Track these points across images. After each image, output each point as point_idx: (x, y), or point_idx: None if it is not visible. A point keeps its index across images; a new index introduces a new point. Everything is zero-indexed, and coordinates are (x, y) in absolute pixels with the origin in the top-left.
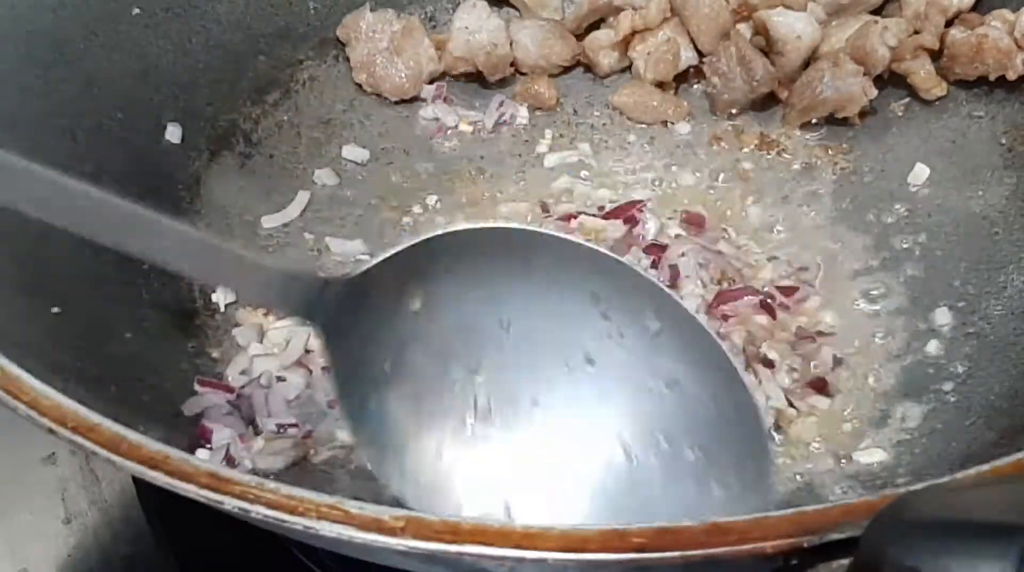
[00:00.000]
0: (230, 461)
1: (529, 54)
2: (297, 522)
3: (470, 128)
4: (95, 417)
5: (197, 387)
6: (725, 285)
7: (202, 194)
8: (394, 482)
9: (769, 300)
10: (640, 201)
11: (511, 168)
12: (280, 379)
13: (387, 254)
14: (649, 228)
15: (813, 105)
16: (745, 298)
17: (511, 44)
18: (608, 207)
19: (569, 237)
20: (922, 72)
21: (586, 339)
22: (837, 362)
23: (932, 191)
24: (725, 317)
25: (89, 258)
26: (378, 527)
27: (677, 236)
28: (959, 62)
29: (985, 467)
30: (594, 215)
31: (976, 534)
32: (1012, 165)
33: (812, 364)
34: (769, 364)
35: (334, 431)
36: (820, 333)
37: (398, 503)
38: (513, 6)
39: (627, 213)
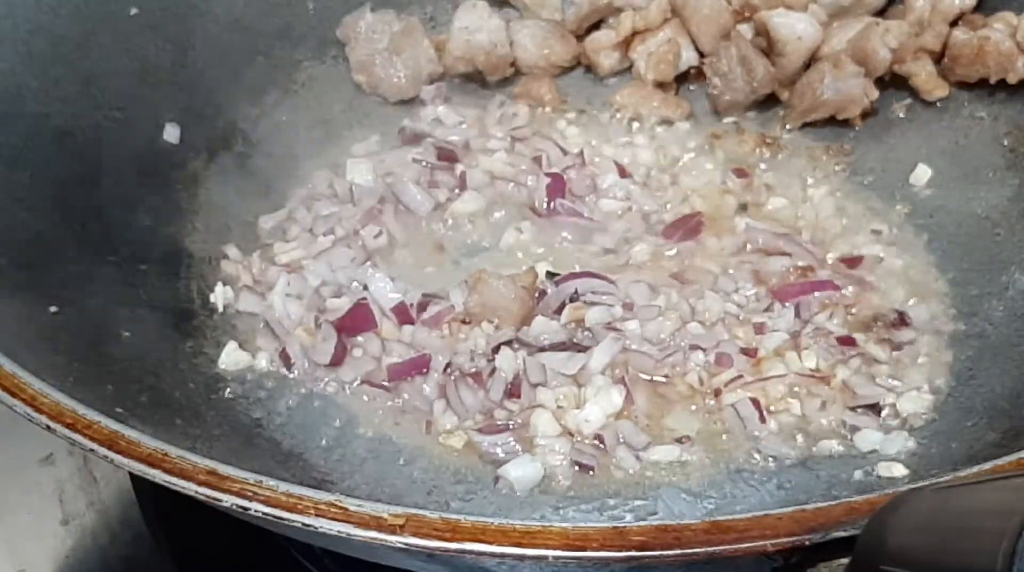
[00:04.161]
0: None
1: (529, 54)
2: (295, 520)
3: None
4: (93, 414)
5: None
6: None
7: (200, 194)
8: None
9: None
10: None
11: None
12: None
13: None
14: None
15: (814, 106)
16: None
17: (511, 44)
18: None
19: None
20: (924, 74)
21: None
22: None
23: (934, 192)
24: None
25: (88, 258)
26: (377, 525)
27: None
28: (960, 64)
29: (986, 465)
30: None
31: (969, 534)
32: (1014, 166)
33: None
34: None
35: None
36: None
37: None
38: (513, 6)
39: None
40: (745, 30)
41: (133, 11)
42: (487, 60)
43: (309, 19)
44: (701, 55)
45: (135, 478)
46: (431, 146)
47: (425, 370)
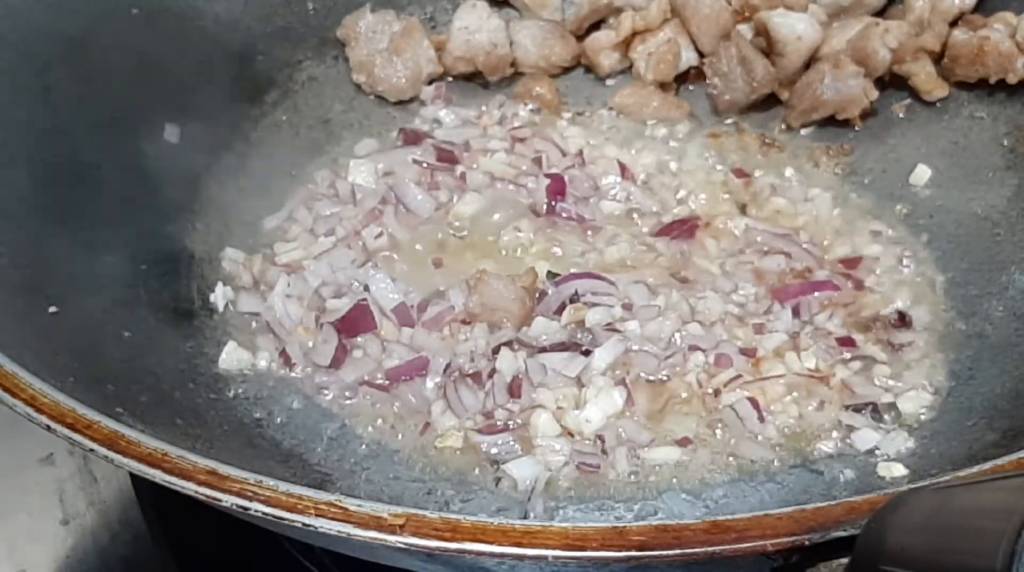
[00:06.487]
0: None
1: (529, 54)
2: (295, 520)
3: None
4: (93, 414)
5: None
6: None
7: (201, 194)
8: None
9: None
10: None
11: None
12: None
13: None
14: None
15: (814, 106)
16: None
17: (511, 44)
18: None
19: None
20: (923, 74)
21: None
22: None
23: (934, 192)
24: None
25: (88, 258)
26: (377, 525)
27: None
28: (960, 64)
29: (986, 465)
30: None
31: (968, 534)
32: (1014, 166)
33: None
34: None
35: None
36: None
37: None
38: (513, 6)
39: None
40: (745, 30)
41: (134, 11)
42: (487, 60)
43: (309, 19)
44: (701, 55)
45: (135, 478)
46: (431, 147)
47: (423, 372)
